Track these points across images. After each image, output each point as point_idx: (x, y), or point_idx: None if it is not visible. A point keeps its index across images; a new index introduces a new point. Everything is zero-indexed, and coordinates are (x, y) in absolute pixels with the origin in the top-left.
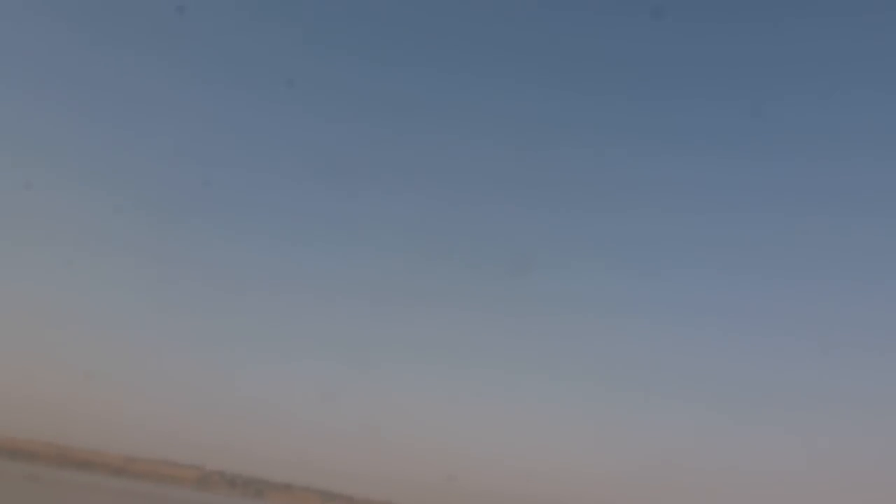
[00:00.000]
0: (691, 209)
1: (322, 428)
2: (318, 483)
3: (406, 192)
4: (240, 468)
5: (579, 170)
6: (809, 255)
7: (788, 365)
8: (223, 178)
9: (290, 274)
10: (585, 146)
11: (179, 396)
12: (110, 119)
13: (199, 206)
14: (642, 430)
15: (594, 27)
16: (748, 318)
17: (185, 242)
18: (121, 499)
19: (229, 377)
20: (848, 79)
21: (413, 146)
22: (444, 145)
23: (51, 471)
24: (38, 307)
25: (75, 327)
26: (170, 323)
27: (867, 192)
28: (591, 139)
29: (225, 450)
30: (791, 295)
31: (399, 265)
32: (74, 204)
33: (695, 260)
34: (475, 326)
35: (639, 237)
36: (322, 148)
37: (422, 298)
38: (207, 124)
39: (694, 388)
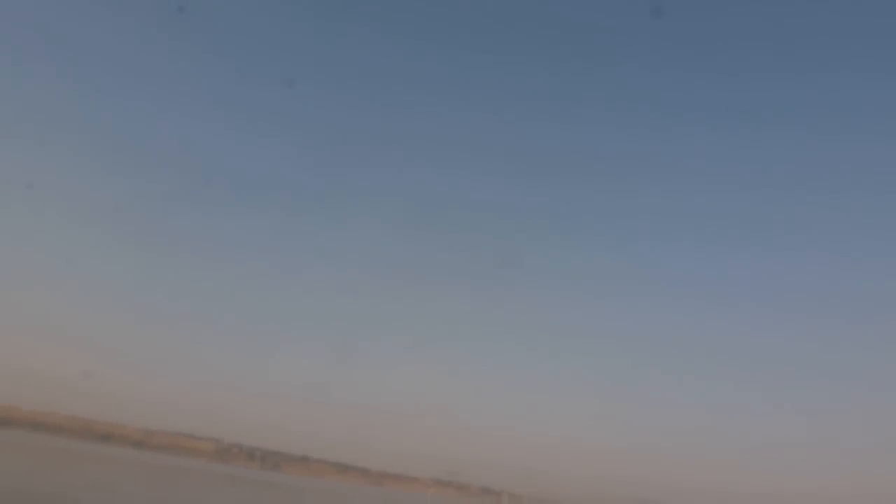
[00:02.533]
0: (703, 184)
1: (338, 403)
2: (333, 456)
3: (409, 168)
4: (257, 441)
5: (584, 144)
6: (814, 231)
7: (792, 339)
8: (226, 162)
9: (305, 252)
10: (589, 121)
11: (198, 372)
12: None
13: (210, 188)
14: (648, 405)
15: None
16: (753, 294)
17: (198, 223)
18: (141, 470)
19: (247, 354)
20: (840, 56)
21: (414, 122)
22: (444, 120)
23: (73, 443)
24: (65, 291)
25: (101, 310)
26: (188, 303)
27: (867, 167)
28: (595, 113)
29: (242, 423)
30: (795, 269)
31: (404, 243)
32: (92, 190)
33: (699, 236)
34: (483, 302)
35: (646, 213)
36: (323, 126)
37: (431, 276)
38: (208, 111)
39: (700, 363)
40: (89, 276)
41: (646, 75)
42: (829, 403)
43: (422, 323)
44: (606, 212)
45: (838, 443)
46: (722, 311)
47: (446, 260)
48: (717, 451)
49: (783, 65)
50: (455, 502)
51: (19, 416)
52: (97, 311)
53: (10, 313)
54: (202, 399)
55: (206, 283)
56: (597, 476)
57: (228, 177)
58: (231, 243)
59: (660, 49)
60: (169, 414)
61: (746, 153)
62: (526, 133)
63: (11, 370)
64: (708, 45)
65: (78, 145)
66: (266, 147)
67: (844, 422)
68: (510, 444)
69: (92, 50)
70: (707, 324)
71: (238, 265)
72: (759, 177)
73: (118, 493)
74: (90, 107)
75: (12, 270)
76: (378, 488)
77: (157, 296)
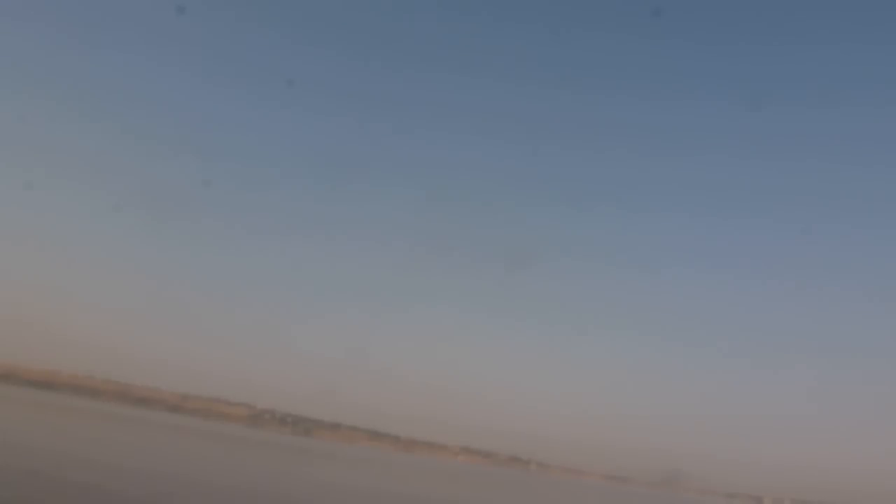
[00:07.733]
0: (719, 157)
1: (369, 371)
2: (364, 423)
3: (439, 140)
4: (289, 408)
5: (607, 117)
6: (851, 206)
7: (818, 314)
8: (261, 135)
9: (337, 222)
10: (619, 93)
11: (232, 340)
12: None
13: (243, 161)
14: (673, 377)
15: None
16: (765, 266)
17: (229, 195)
18: (177, 433)
19: (280, 323)
20: (842, 28)
21: (441, 92)
22: (466, 89)
23: (111, 406)
24: (106, 262)
25: (139, 280)
26: (223, 273)
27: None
28: (608, 85)
29: (275, 390)
30: (829, 244)
31: (438, 215)
32: (133, 169)
33: (725, 209)
34: (513, 274)
35: (676, 186)
36: (353, 98)
37: (461, 247)
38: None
39: (715, 334)
40: (126, 246)
41: (670, 46)
42: (853, 376)
43: (453, 294)
44: (633, 185)
45: (863, 415)
46: (743, 284)
47: (475, 232)
48: (738, 422)
49: (798, 39)
50: (483, 470)
51: (60, 380)
52: (136, 280)
53: (54, 283)
54: (236, 366)
55: (239, 253)
56: (622, 447)
57: (261, 149)
58: (264, 214)
59: (680, 21)
60: (204, 380)
61: (764, 127)
62: (551, 104)
63: (54, 336)
64: (721, 19)
65: (111, 124)
66: (300, 118)
67: (871, 395)
68: (538, 414)
69: (120, 25)
70: (729, 298)
71: (271, 236)
72: (787, 151)
73: (154, 454)
74: (122, 85)
75: (52, 243)
76: (408, 455)
77: (192, 265)
